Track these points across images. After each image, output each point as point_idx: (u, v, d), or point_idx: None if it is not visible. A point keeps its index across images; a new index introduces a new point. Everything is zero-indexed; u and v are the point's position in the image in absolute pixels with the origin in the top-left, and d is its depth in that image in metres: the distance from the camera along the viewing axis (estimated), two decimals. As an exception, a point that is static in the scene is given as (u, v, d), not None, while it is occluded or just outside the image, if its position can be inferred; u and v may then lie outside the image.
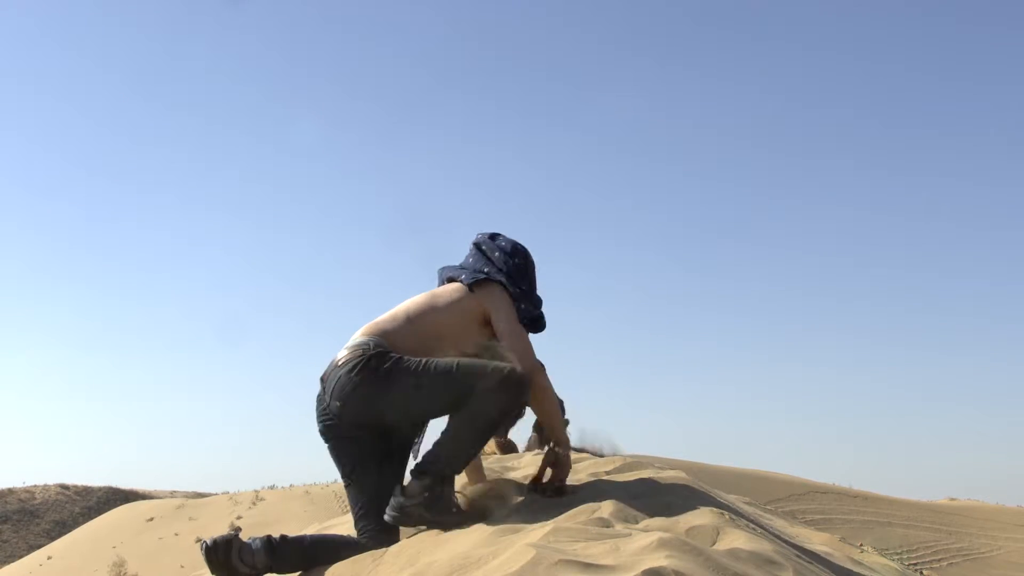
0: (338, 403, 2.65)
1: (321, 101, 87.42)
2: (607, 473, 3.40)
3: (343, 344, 2.78)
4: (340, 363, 2.67)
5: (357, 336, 2.74)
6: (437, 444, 2.63)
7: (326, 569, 2.62)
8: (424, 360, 2.59)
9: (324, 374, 2.74)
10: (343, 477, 2.81)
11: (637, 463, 3.57)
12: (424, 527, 2.59)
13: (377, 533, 2.68)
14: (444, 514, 2.54)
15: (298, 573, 2.66)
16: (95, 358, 77.80)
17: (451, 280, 2.95)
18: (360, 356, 2.62)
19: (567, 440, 2.97)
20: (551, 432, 2.96)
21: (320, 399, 2.76)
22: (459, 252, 3.07)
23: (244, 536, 2.68)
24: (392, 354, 2.61)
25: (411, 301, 2.86)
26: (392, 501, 2.57)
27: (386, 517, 2.56)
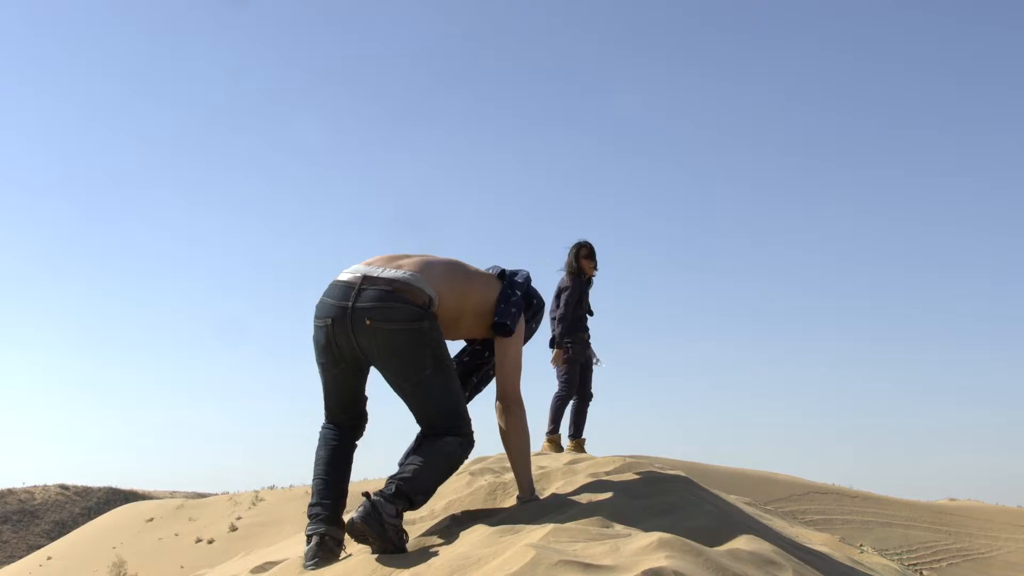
0: (368, 321, 2.65)
1: (321, 101, 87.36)
2: (607, 473, 3.40)
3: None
4: (398, 289, 2.68)
5: (426, 268, 2.77)
6: (415, 469, 2.62)
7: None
8: (449, 362, 2.75)
9: (367, 275, 2.72)
10: (324, 368, 2.82)
11: (637, 463, 3.57)
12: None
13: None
14: (398, 542, 2.52)
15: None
16: (95, 358, 77.71)
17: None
18: (420, 312, 2.67)
19: (531, 488, 3.00)
20: (516, 476, 3.00)
21: (346, 291, 2.71)
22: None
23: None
24: (438, 331, 2.72)
25: (465, 271, 2.94)
26: (367, 504, 2.50)
27: (355, 515, 2.50)
